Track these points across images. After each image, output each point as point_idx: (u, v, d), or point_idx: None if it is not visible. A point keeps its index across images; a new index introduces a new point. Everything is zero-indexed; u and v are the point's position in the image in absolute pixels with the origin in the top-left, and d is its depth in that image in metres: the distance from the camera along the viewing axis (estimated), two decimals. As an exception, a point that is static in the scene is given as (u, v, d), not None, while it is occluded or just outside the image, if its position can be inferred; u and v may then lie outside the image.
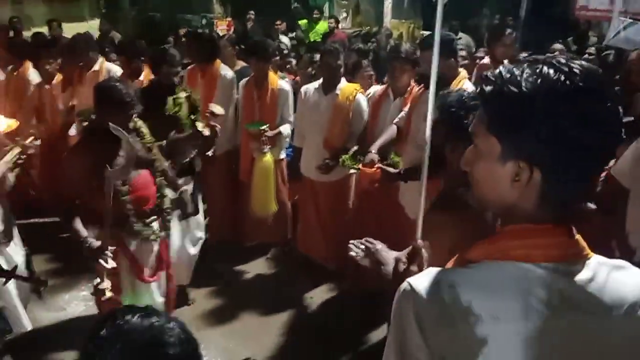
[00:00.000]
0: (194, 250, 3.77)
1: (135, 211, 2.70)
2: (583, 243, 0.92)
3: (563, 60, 0.84)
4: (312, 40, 8.35)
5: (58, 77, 4.73)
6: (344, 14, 11.97)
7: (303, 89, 3.95)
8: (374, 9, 12.38)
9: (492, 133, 0.88)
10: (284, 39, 7.50)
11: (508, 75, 0.85)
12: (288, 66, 5.29)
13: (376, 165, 2.99)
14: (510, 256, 0.89)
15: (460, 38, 7.41)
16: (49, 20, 7.39)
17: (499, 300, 0.86)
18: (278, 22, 8.60)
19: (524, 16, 10.26)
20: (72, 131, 4.51)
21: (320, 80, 3.86)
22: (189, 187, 3.59)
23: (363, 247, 1.54)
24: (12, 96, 4.72)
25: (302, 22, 9.19)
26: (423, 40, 3.65)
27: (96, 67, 4.55)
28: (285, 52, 5.61)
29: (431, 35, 2.29)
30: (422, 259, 1.26)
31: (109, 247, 2.50)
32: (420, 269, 1.27)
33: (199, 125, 3.13)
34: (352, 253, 1.52)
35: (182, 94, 3.55)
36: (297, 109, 4.03)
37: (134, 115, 2.62)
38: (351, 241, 1.60)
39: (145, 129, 2.84)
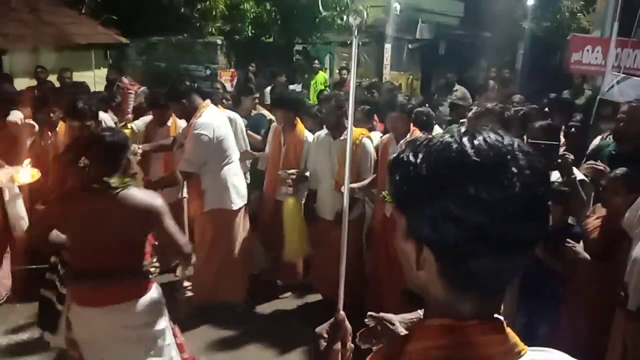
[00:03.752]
0: None
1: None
2: (515, 338, 0.79)
3: (465, 133, 0.75)
4: (314, 91, 8.59)
5: (61, 126, 4.80)
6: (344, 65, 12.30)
7: (315, 135, 4.21)
8: (374, 61, 12.71)
9: (396, 206, 0.81)
10: (296, 88, 7.79)
11: (410, 147, 0.78)
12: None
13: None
14: (431, 358, 0.77)
15: (457, 90, 7.60)
16: (62, 69, 7.20)
17: None
18: (284, 77, 8.97)
19: (520, 69, 10.53)
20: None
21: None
22: None
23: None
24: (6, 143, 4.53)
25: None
26: None
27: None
28: None
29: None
30: (346, 334, 1.12)
31: None
32: (343, 345, 1.14)
33: None
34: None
35: None
36: (310, 154, 4.25)
37: None
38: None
39: None
